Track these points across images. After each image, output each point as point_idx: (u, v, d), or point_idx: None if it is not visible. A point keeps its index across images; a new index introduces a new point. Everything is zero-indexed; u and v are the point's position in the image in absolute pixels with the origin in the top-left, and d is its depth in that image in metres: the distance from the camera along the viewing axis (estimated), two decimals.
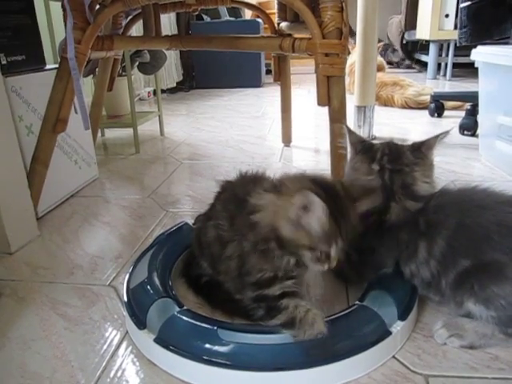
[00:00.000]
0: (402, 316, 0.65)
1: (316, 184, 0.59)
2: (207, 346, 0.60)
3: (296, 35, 1.17)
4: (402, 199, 0.68)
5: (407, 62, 4.16)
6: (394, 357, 0.63)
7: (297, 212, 0.57)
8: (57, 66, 1.10)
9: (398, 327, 0.63)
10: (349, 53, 2.55)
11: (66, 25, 1.04)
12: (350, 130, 0.75)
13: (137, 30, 2.27)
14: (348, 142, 0.74)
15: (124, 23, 1.52)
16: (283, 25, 1.46)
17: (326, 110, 1.03)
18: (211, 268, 0.76)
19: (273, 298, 0.61)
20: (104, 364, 0.64)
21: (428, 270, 0.66)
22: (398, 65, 4.22)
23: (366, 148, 0.73)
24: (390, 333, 0.62)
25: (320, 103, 1.02)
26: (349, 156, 0.74)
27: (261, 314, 0.63)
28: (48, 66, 1.21)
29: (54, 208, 1.20)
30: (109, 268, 0.90)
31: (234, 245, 0.66)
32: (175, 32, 3.10)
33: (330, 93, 1.01)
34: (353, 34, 2.06)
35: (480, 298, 0.61)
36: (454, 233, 0.64)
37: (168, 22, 3.03)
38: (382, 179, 0.69)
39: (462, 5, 1.75)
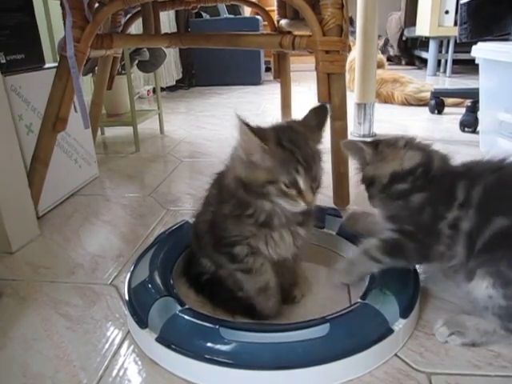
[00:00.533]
0: (404, 314, 0.65)
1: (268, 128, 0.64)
2: (209, 344, 0.60)
3: (296, 32, 1.16)
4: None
5: (405, 59, 4.16)
6: (396, 355, 0.63)
7: (243, 150, 0.61)
8: (56, 64, 1.10)
9: (400, 325, 0.63)
10: (350, 50, 2.54)
11: (65, 23, 1.04)
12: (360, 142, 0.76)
13: (136, 28, 2.26)
14: (364, 148, 0.74)
15: (123, 21, 1.52)
16: (283, 22, 1.46)
17: None
18: (210, 261, 0.76)
19: (239, 255, 0.67)
20: (106, 363, 0.64)
21: (468, 220, 0.64)
22: (398, 59, 4.21)
23: (380, 140, 0.76)
24: (392, 331, 0.62)
25: (320, 100, 1.01)
26: (368, 158, 0.74)
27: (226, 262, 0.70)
28: (47, 65, 1.20)
29: (54, 207, 1.20)
30: (110, 267, 0.90)
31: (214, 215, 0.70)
32: (174, 30, 3.09)
33: (331, 90, 1.01)
34: (352, 21, 2.04)
35: (502, 280, 0.59)
36: (492, 186, 0.64)
37: (167, 20, 3.02)
38: (415, 147, 0.72)
39: (462, 1, 1.74)
